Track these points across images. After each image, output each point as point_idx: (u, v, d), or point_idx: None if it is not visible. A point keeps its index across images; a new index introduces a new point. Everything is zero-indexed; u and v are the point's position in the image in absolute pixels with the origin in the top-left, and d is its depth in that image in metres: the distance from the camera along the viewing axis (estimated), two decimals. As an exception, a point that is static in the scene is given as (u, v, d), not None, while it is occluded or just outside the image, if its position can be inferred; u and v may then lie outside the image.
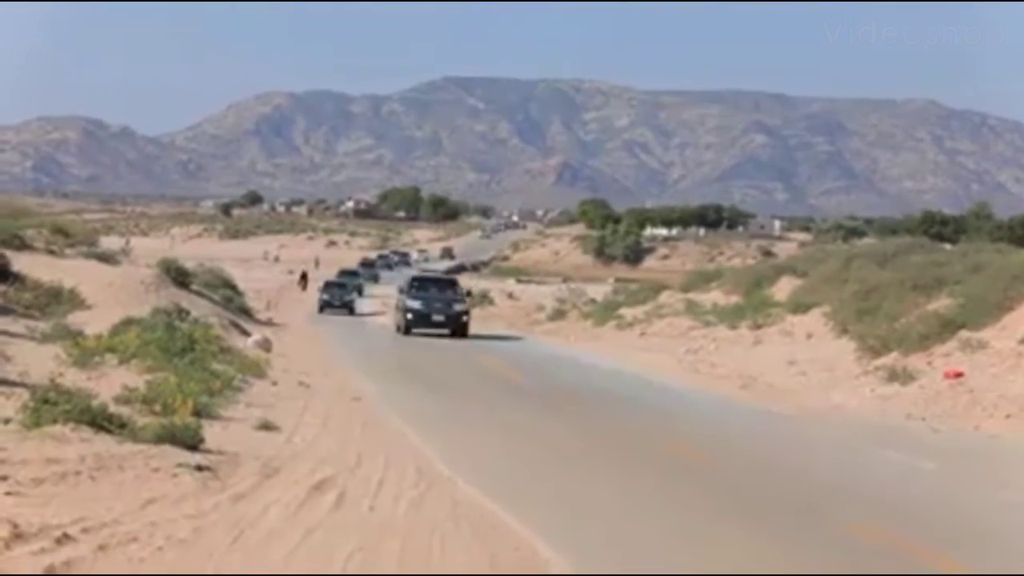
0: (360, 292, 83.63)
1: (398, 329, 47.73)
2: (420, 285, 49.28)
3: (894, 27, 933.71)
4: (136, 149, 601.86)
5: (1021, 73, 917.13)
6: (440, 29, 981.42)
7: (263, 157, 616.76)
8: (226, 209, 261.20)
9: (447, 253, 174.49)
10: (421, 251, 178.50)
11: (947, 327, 30.27)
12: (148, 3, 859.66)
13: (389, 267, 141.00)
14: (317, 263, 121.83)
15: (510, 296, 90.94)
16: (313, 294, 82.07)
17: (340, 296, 72.99)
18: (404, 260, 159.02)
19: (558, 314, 67.29)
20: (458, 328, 46.61)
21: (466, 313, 47.55)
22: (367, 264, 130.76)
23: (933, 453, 20.53)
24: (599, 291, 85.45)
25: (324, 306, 70.77)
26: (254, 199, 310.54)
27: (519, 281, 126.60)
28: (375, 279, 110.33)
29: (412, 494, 14.26)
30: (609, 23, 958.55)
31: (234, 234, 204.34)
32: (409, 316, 46.71)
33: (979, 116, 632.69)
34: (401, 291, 49.20)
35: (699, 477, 17.25)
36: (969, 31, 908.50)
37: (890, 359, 30.42)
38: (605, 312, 60.64)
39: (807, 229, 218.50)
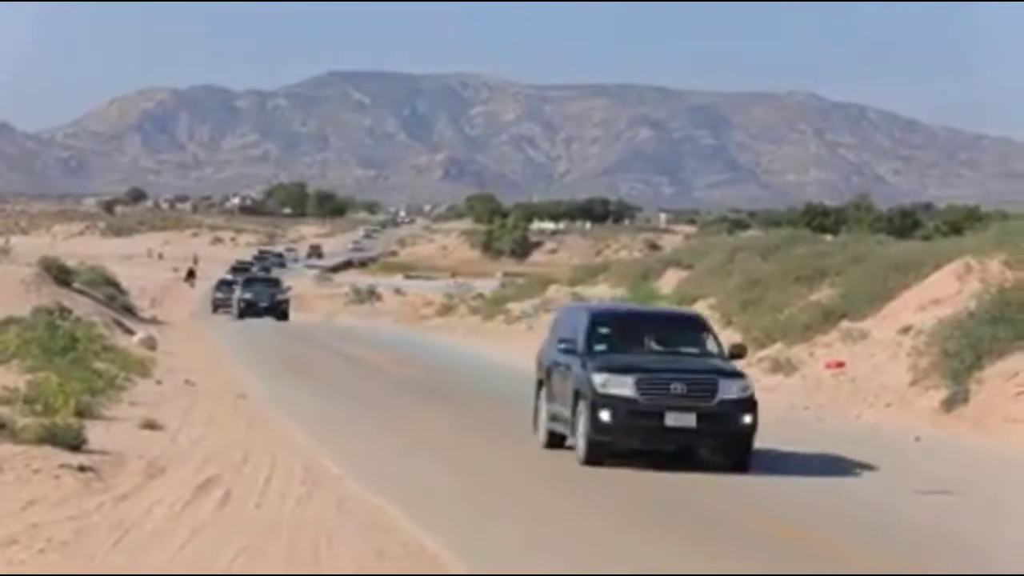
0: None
1: (551, 440, 19.34)
2: (615, 329, 19.82)
3: (774, 20, 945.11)
4: (15, 145, 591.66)
5: (899, 65, 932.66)
6: (324, 24, 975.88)
7: (146, 153, 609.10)
8: (109, 206, 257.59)
9: (315, 251, 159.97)
10: (289, 249, 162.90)
11: (829, 317, 30.73)
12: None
13: (267, 271, 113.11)
14: (196, 260, 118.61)
15: (398, 292, 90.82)
16: (201, 291, 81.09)
17: (271, 294, 58.89)
18: (280, 262, 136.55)
19: (446, 309, 67.31)
20: (734, 445, 18.35)
21: (750, 409, 18.29)
22: (240, 268, 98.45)
23: (817, 443, 20.81)
24: (487, 286, 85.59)
25: (244, 309, 57.28)
26: (137, 196, 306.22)
27: (407, 277, 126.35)
28: None
29: (299, 492, 14.18)
30: (494, 18, 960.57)
31: (117, 231, 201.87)
32: (604, 416, 17.99)
33: (858, 108, 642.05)
34: (567, 348, 19.26)
35: (586, 474, 17.31)
36: (848, 24, 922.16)
37: (774, 350, 30.80)
38: (493, 307, 60.74)
39: (692, 222, 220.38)
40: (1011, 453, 19.65)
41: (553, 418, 19.16)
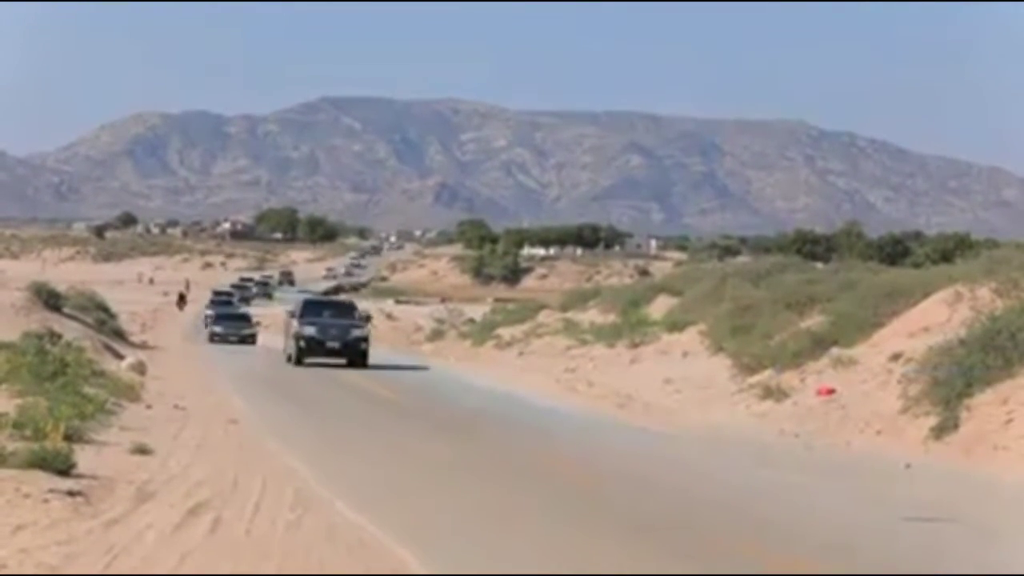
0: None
1: None
2: None
3: (764, 47, 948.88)
4: (6, 170, 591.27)
5: (889, 93, 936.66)
6: (316, 50, 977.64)
7: (137, 178, 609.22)
8: (99, 231, 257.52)
9: (286, 278, 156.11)
10: (267, 276, 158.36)
11: (819, 344, 30.72)
12: (18, 20, 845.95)
13: (246, 301, 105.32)
14: (188, 285, 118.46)
15: (389, 317, 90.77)
16: (192, 316, 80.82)
17: (344, 328, 41.18)
18: (265, 291, 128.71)
19: (437, 334, 67.31)
20: None
21: None
22: (220, 300, 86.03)
23: (807, 469, 20.80)
24: (478, 311, 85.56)
25: (305, 350, 40.58)
26: (128, 221, 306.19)
27: (398, 302, 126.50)
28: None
29: (289, 517, 14.15)
30: (485, 44, 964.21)
31: (108, 256, 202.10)
32: None
33: (848, 136, 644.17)
34: None
35: (578, 496, 17.31)
36: (838, 52, 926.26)
37: (764, 376, 30.79)
38: (484, 332, 60.77)
39: (683, 248, 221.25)
40: (1000, 480, 19.65)
41: None
